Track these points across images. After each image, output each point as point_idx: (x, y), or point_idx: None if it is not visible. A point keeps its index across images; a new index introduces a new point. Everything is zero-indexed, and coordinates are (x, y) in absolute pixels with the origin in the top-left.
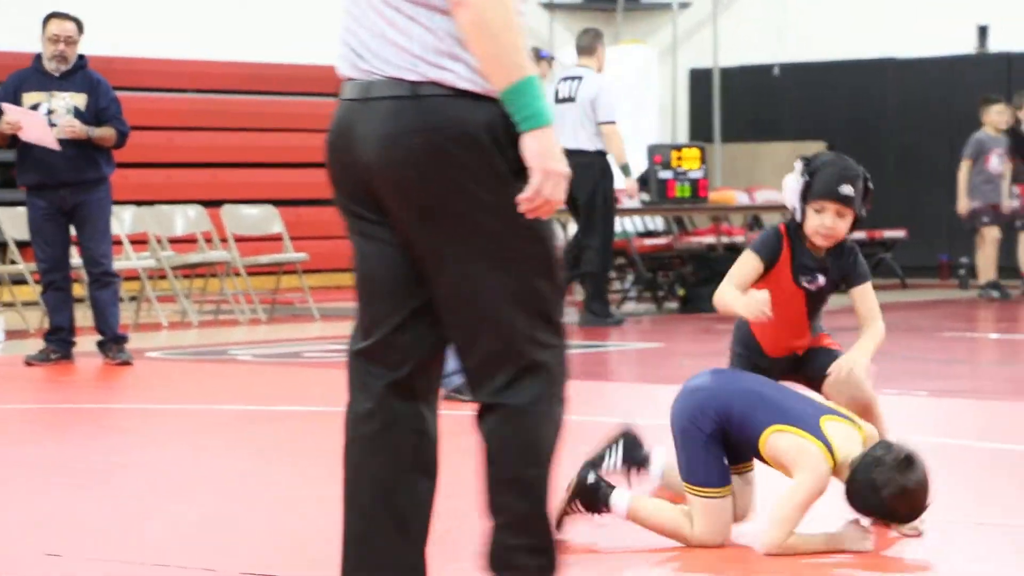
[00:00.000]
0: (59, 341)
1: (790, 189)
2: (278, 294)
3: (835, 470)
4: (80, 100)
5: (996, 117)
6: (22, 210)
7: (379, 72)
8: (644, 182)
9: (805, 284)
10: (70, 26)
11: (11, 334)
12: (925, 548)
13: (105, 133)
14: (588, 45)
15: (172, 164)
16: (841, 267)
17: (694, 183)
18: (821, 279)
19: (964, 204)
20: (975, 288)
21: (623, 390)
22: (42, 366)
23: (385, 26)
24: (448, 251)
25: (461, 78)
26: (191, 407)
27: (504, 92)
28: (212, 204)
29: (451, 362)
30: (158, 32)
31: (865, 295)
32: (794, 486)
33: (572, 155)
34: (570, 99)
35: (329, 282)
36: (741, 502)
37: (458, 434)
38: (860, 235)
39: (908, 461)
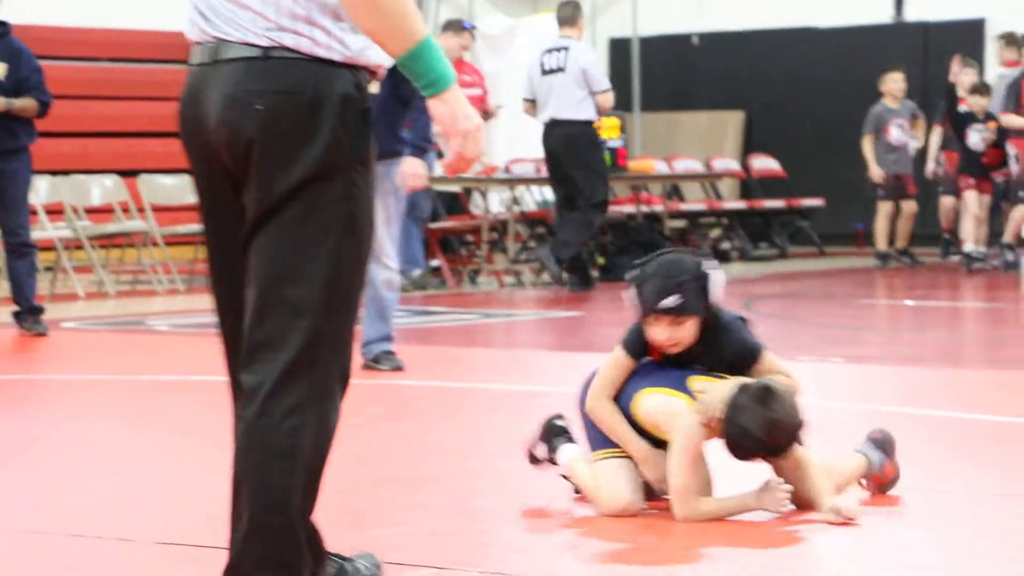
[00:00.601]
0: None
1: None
2: (196, 264)
3: (708, 427)
4: (0, 70)
5: (893, 86)
6: None
7: (230, 36)
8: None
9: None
10: None
11: None
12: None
13: (26, 104)
14: (570, 16)
15: (88, 133)
16: (720, 352)
17: (613, 152)
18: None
19: (876, 171)
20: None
21: (542, 358)
22: None
23: None
24: (268, 222)
25: (318, 44)
26: (108, 378)
27: (402, 59)
28: (129, 174)
29: (373, 332)
30: (75, 1)
31: (768, 367)
32: (671, 451)
33: (563, 125)
34: (559, 70)
35: None
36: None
37: (374, 403)
38: (779, 204)
39: (765, 392)
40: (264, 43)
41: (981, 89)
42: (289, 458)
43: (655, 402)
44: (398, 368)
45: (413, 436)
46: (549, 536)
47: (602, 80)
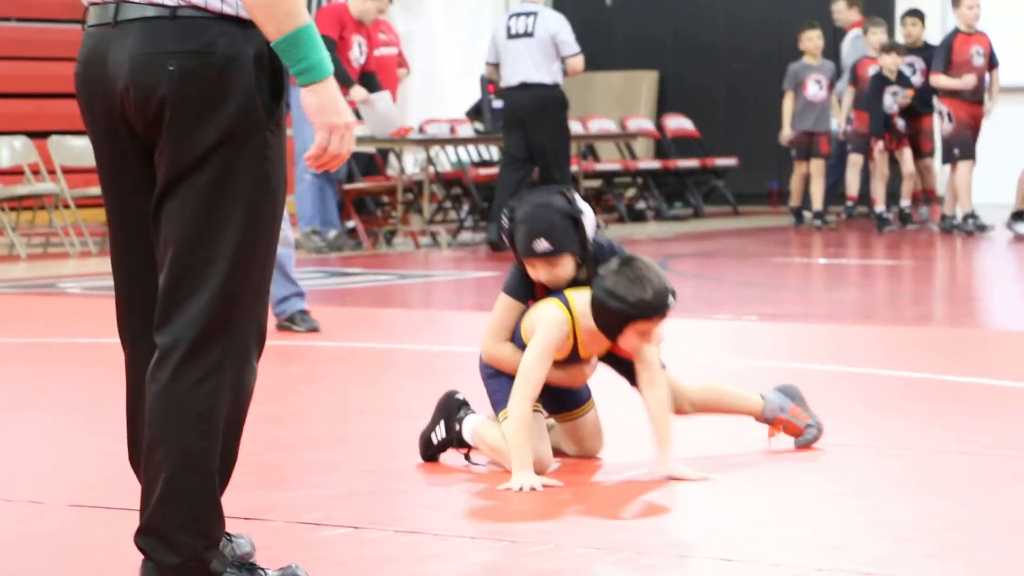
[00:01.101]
0: None
1: None
2: (107, 226)
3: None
4: None
5: (809, 44)
6: None
7: None
8: (478, 112)
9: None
10: None
11: None
12: (774, 469)
13: None
14: None
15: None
16: None
17: None
18: None
19: (785, 134)
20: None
21: (459, 319)
22: None
23: None
24: (181, 184)
25: (227, 3)
26: (18, 341)
27: (277, 43)
28: (39, 135)
29: (281, 290)
30: None
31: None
32: (532, 341)
33: (532, 88)
34: (527, 34)
35: None
36: (579, 435)
37: (290, 363)
38: (693, 163)
39: (624, 261)
40: (171, 2)
41: (896, 48)
42: (206, 420)
43: (531, 312)
44: (314, 329)
45: (329, 397)
46: (464, 495)
47: (572, 44)
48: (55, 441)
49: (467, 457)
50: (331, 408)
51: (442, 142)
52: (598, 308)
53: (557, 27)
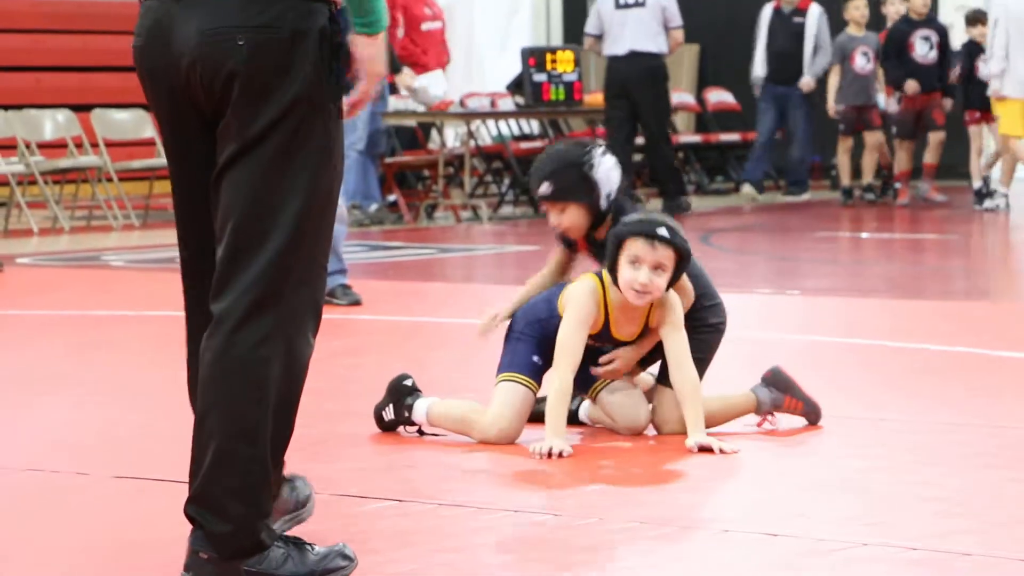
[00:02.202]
0: None
1: None
2: (151, 199)
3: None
4: None
5: (855, 13)
6: None
7: None
8: (519, 86)
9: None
10: None
11: None
12: (787, 441)
13: None
14: None
15: (40, 68)
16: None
17: (569, 86)
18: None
19: (832, 106)
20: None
21: (499, 292)
22: None
23: None
24: (244, 156)
25: None
26: (63, 313)
27: None
28: (82, 108)
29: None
30: None
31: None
32: (565, 312)
33: (641, 57)
34: (638, 4)
35: None
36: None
37: (332, 337)
38: (735, 137)
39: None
40: None
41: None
42: (259, 388)
43: (569, 288)
44: (356, 302)
45: (371, 370)
46: (505, 467)
47: (679, 16)
48: (99, 413)
49: (420, 432)
50: (373, 381)
51: (483, 116)
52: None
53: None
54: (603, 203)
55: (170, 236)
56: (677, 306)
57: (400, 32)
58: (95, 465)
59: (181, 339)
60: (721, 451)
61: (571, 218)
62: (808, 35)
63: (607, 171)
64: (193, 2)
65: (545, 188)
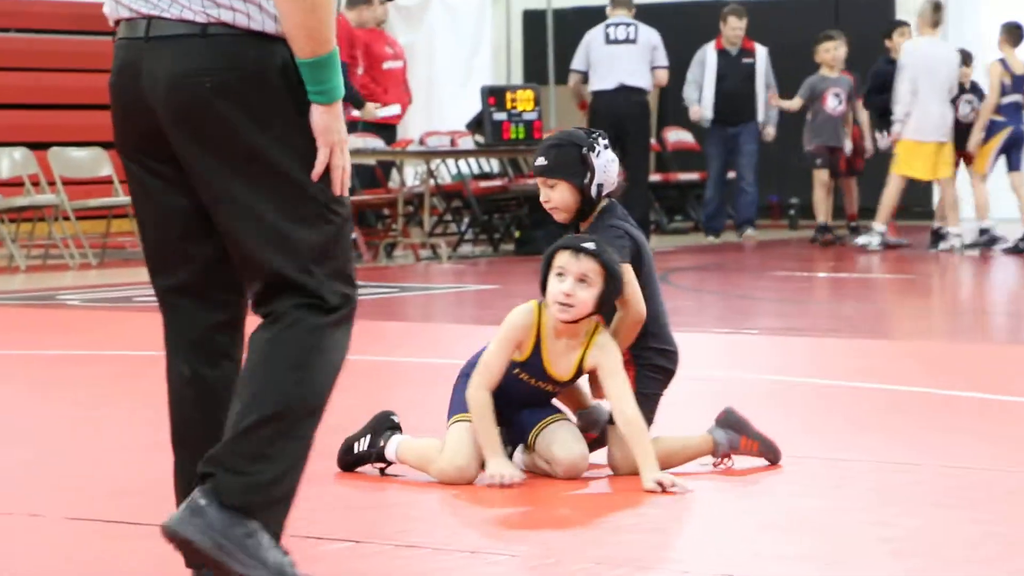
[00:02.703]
0: None
1: None
2: (108, 238)
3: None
4: None
5: (826, 55)
6: None
7: (165, 13)
8: (478, 124)
9: None
10: None
11: None
12: (744, 480)
13: None
14: (628, 2)
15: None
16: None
17: (528, 124)
18: None
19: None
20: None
21: (458, 331)
22: None
23: None
24: (235, 188)
25: (253, 20)
26: (18, 353)
27: (306, 63)
28: (39, 146)
29: None
30: None
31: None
32: (495, 335)
33: (631, 91)
34: (629, 41)
35: None
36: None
37: None
38: (693, 176)
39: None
40: (201, 19)
41: (967, 58)
42: (301, 368)
43: None
44: None
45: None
46: (462, 508)
47: (665, 57)
48: (55, 453)
49: (382, 472)
50: (329, 421)
51: (443, 154)
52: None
53: (657, 39)
54: (593, 191)
55: (127, 275)
56: (614, 351)
57: (360, 70)
58: (49, 506)
59: (138, 377)
60: (674, 486)
61: (560, 196)
62: (759, 75)
63: (606, 162)
64: (160, 44)
65: (541, 160)
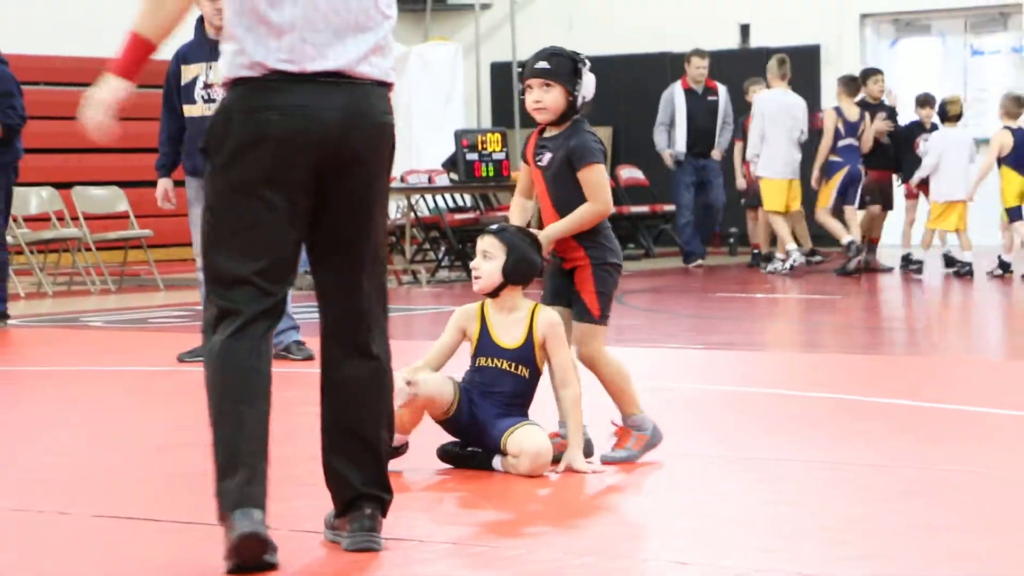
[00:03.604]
0: None
1: None
2: (126, 267)
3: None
4: None
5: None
6: None
7: (328, 65)
8: (453, 163)
9: (538, 163)
10: None
11: None
12: (669, 477)
13: None
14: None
15: (27, 150)
16: (568, 146)
17: (498, 164)
18: (547, 157)
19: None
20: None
21: None
22: None
23: (351, 24)
24: (360, 216)
25: (388, 74)
26: (48, 369)
27: None
28: (63, 186)
29: (283, 321)
30: (13, 30)
31: (584, 179)
32: None
33: None
34: None
35: (172, 255)
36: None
37: (288, 388)
38: (644, 209)
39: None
40: (358, 72)
41: (929, 101)
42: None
43: None
44: (309, 357)
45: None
46: (448, 504)
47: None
48: (83, 457)
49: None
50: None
51: (421, 190)
52: (525, 269)
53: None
54: (578, 100)
55: (143, 299)
56: (559, 325)
57: None
58: (77, 505)
59: (152, 390)
60: (593, 472)
61: (552, 98)
62: (720, 112)
63: (590, 80)
64: (332, 89)
65: (543, 64)
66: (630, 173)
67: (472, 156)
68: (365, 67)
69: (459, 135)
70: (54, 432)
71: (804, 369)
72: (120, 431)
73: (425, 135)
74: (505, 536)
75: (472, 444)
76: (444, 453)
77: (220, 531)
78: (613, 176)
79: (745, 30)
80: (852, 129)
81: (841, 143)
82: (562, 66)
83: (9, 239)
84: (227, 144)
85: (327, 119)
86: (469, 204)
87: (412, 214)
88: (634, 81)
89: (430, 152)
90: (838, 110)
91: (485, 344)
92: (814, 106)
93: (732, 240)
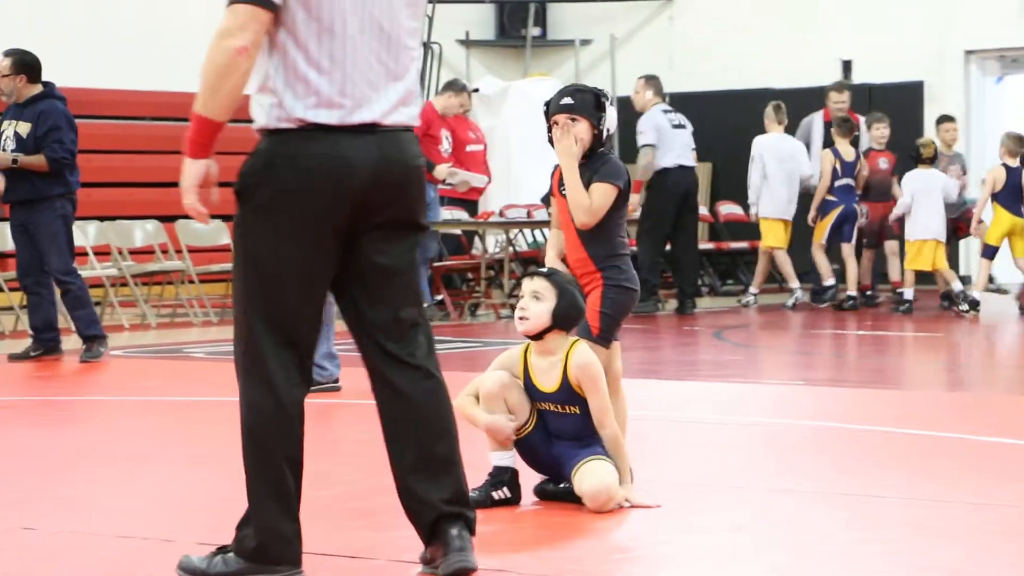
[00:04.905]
0: (36, 339)
1: None
2: (227, 299)
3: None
4: (24, 128)
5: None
6: None
7: (366, 117)
8: (548, 199)
9: (563, 192)
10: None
11: None
12: (795, 516)
13: (33, 160)
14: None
15: (133, 183)
16: (594, 167)
17: None
18: None
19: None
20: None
21: None
22: (23, 362)
23: (384, 74)
24: (393, 247)
25: (414, 119)
26: (151, 399)
27: None
28: (168, 219)
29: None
30: (120, 66)
31: (592, 190)
32: None
33: (691, 171)
34: (683, 127)
35: None
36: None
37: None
38: (743, 245)
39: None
40: (389, 121)
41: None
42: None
43: None
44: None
45: None
46: (534, 530)
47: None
48: (186, 486)
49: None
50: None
51: (520, 224)
52: (575, 317)
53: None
54: (603, 133)
55: None
56: (591, 370)
57: (445, 149)
58: (181, 533)
59: None
60: (652, 507)
61: (581, 131)
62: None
63: (612, 114)
64: (366, 137)
65: (568, 100)
66: (729, 209)
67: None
68: (395, 116)
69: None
70: (157, 461)
71: (903, 405)
72: (221, 460)
73: (524, 170)
74: (496, 559)
75: (553, 478)
76: (541, 492)
77: (343, 562)
78: (712, 212)
79: (847, 66)
80: (848, 169)
81: (837, 183)
82: (586, 101)
83: (114, 271)
84: (266, 190)
85: (363, 166)
86: None
87: (511, 248)
88: (734, 117)
89: (529, 187)
90: (835, 151)
91: (530, 389)
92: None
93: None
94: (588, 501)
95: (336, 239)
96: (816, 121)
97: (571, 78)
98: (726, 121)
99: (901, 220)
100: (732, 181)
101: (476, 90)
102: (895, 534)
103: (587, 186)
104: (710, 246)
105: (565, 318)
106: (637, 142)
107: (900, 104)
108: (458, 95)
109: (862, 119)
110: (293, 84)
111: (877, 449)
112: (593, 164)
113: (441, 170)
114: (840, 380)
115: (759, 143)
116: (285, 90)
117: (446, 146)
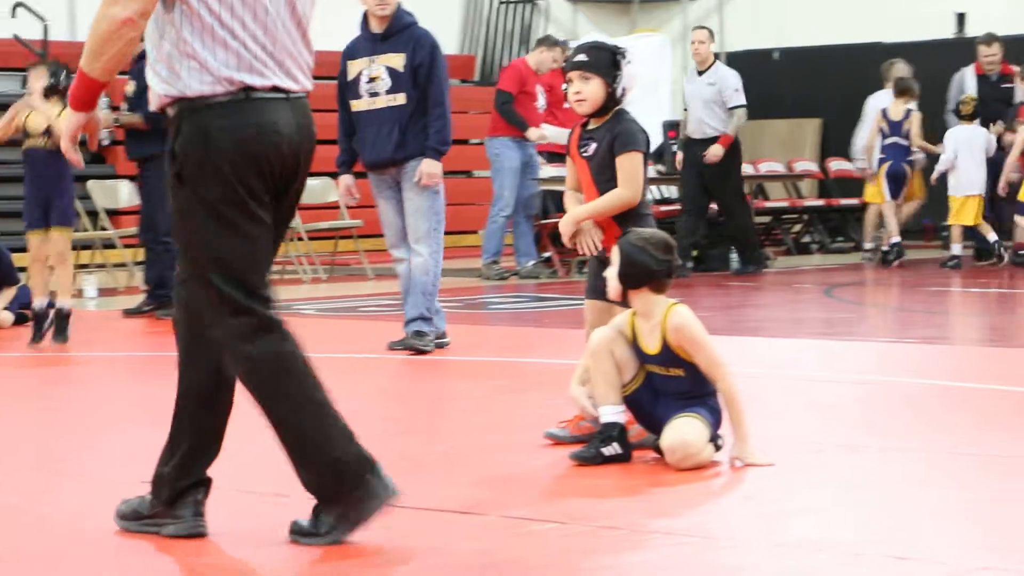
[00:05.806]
0: (150, 295)
1: None
2: (336, 256)
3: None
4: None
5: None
6: (111, 182)
7: (287, 83)
8: (660, 155)
9: (582, 154)
10: None
11: (103, 292)
12: (910, 472)
13: (132, 119)
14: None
15: None
16: (612, 134)
17: None
18: (592, 147)
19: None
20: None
21: None
22: (136, 317)
23: (298, 43)
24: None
25: (310, 85)
26: None
27: None
28: None
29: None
30: None
31: (620, 164)
32: None
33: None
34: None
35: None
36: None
37: (492, 377)
38: (854, 202)
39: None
40: (298, 87)
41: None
42: None
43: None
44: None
45: (533, 407)
46: (660, 492)
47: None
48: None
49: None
50: (535, 416)
51: None
52: (636, 270)
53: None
54: (618, 91)
55: (353, 288)
56: (686, 327)
57: (540, 106)
58: (293, 487)
59: (367, 375)
60: (766, 465)
61: (592, 89)
62: (1017, 100)
63: (632, 71)
64: (285, 104)
65: (582, 57)
66: (839, 165)
67: (679, 147)
68: (304, 82)
69: (666, 126)
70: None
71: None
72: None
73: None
74: (717, 527)
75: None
76: (579, 459)
77: (453, 517)
78: (822, 168)
79: (961, 19)
80: (895, 128)
81: (886, 141)
82: (600, 59)
83: None
84: (208, 162)
85: (287, 133)
86: (676, 196)
87: None
88: (846, 73)
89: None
90: (884, 111)
91: (638, 351)
92: None
93: (945, 234)
94: (667, 455)
95: (268, 209)
96: (968, 75)
97: (679, 33)
98: (838, 76)
99: (943, 176)
100: (842, 136)
101: (566, 43)
102: (1007, 491)
103: (608, 147)
104: (820, 203)
105: (629, 278)
106: (731, 100)
107: (1017, 57)
108: (551, 49)
109: (1016, 69)
110: (212, 47)
111: (1013, 412)
112: (609, 128)
113: (532, 133)
114: (947, 338)
115: (872, 105)
116: (205, 53)
117: (542, 102)
